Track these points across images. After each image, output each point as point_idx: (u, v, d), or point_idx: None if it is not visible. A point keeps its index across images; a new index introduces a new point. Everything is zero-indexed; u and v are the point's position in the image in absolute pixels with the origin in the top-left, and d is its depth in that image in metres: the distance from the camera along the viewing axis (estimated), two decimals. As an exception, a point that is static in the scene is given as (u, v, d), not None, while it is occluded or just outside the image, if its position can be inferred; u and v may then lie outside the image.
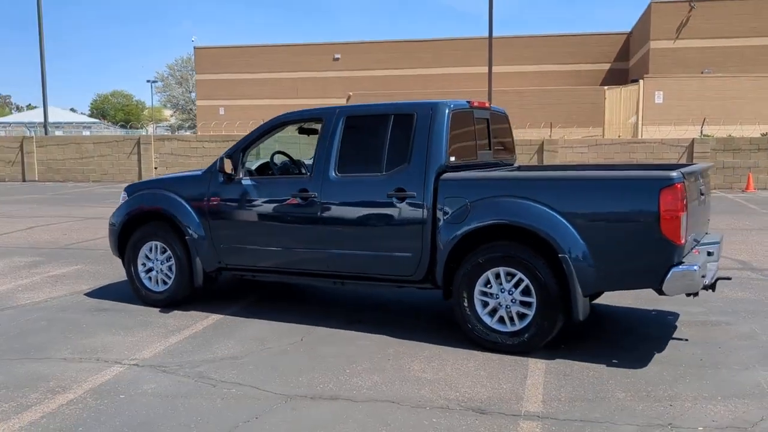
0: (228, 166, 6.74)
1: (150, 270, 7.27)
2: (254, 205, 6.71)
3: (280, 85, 50.05)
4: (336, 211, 6.29)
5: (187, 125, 67.55)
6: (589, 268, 5.30)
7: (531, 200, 5.50)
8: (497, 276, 5.63)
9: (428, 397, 4.73)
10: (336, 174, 6.28)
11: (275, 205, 6.59)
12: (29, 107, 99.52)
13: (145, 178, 24.60)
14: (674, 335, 6.10)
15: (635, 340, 5.99)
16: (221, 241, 6.86)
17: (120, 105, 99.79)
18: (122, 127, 59.76)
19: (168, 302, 7.16)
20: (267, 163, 7.19)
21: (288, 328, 6.43)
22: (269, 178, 6.81)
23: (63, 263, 9.74)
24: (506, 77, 41.91)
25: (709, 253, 6.10)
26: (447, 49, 46.14)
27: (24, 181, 26.31)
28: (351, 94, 40.80)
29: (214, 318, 6.81)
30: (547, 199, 5.46)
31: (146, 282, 7.29)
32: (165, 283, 7.22)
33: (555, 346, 5.74)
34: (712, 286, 5.96)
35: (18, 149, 26.27)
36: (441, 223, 5.81)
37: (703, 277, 5.32)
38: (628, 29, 44.86)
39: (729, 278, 6.54)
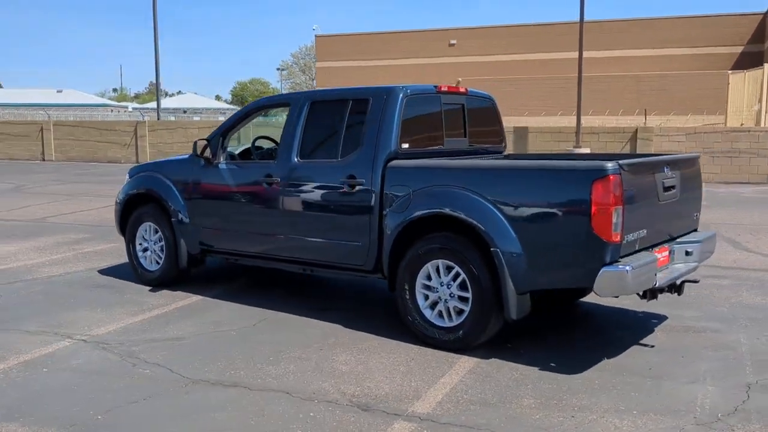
0: (201, 150, 6.86)
1: (146, 250, 7.53)
2: (228, 190, 6.78)
3: (395, 72, 50.26)
4: (295, 197, 6.24)
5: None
6: (521, 263, 4.95)
7: (468, 190, 5.20)
8: (437, 269, 5.39)
9: (325, 390, 4.60)
10: (298, 159, 6.23)
11: (245, 189, 6.62)
12: (178, 93, 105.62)
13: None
14: (644, 341, 5.60)
15: (595, 343, 5.55)
16: (201, 223, 6.99)
17: (258, 92, 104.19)
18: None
19: (159, 282, 7.39)
20: (249, 148, 7.24)
21: (253, 312, 6.46)
22: (243, 163, 6.85)
23: (106, 241, 10.25)
24: (624, 62, 39.98)
25: (688, 253, 5.55)
26: (562, 33, 44.51)
27: (137, 162, 28.05)
28: (460, 79, 40.33)
29: (193, 299, 6.96)
30: (482, 189, 5.14)
31: (142, 261, 7.56)
32: (157, 263, 7.46)
33: (500, 344, 5.44)
34: (677, 289, 5.45)
35: (132, 133, 28.03)
36: (387, 212, 5.63)
37: (647, 278, 4.84)
38: (763, 9, 41.40)
39: (696, 281, 5.91)
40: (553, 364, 5.07)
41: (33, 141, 29.75)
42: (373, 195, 5.69)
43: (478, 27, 50.41)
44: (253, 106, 7.00)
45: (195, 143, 6.91)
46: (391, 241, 5.56)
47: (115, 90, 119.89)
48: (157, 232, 7.37)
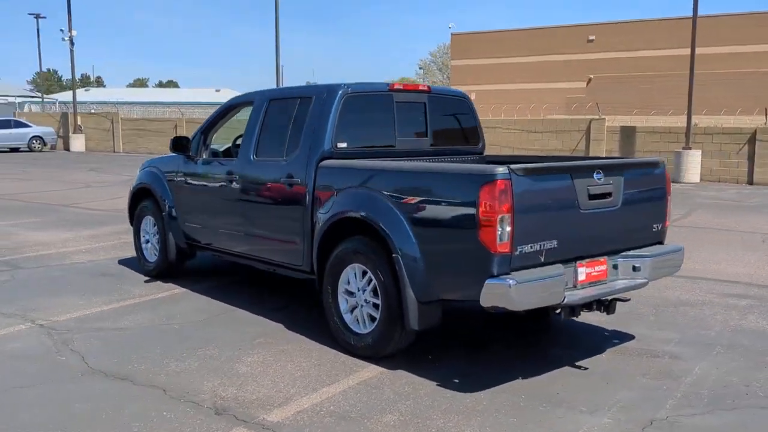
0: (174, 147, 7.03)
1: (147, 242, 7.85)
2: (202, 186, 6.92)
3: (530, 69, 49.08)
4: (248, 195, 6.25)
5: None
6: (421, 271, 4.66)
7: (379, 193, 4.97)
8: (356, 273, 5.20)
9: (201, 390, 4.55)
10: (254, 158, 6.24)
11: (213, 186, 6.72)
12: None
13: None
14: (583, 362, 5.09)
15: (526, 361, 5.10)
16: (185, 218, 7.19)
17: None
18: None
19: (156, 273, 7.67)
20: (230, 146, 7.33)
21: (215, 308, 6.54)
22: (215, 160, 6.94)
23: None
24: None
25: (635, 268, 5.00)
26: (708, 26, 41.35)
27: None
28: (591, 77, 38.73)
29: (175, 291, 7.16)
30: (391, 191, 4.89)
31: (145, 253, 7.88)
32: (155, 255, 7.75)
33: (419, 355, 5.17)
34: (606, 307, 4.92)
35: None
36: (317, 212, 5.50)
37: (547, 294, 4.38)
38: None
39: (628, 299, 5.25)
40: (456, 380, 4.73)
41: (167, 136, 31.86)
42: (307, 195, 5.59)
43: (619, 21, 48.03)
44: (226, 104, 7.11)
45: (171, 140, 7.10)
46: (318, 242, 5.43)
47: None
48: (155, 225, 7.66)
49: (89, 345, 5.47)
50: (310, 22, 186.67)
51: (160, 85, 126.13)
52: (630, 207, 5.01)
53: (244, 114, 7.01)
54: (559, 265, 4.53)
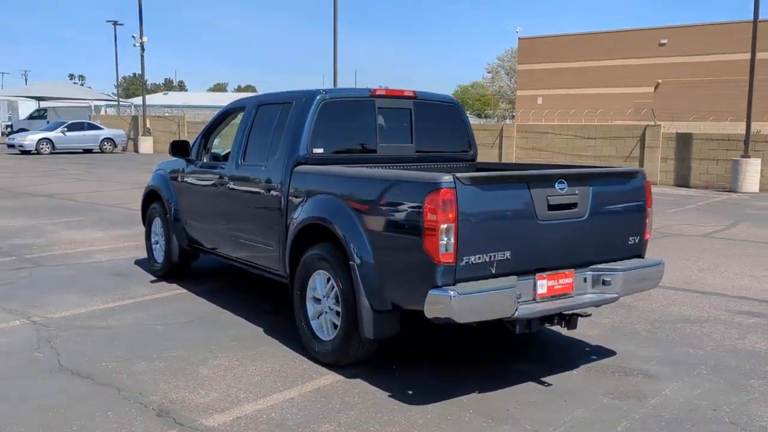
0: (173, 150, 7.16)
1: (156, 243, 8.03)
2: (197, 189, 7.04)
3: (598, 74, 47.90)
4: (234, 200, 6.32)
5: (510, 115, 68.51)
6: (375, 279, 4.59)
7: (341, 198, 4.94)
8: (322, 279, 5.18)
9: (154, 392, 4.59)
10: (241, 162, 6.30)
11: (208, 190, 6.82)
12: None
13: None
14: (549, 378, 4.91)
15: (493, 374, 4.95)
16: (185, 220, 7.32)
17: (478, 95, 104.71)
18: (477, 116, 62.60)
19: (162, 274, 7.84)
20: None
21: (205, 309, 6.62)
22: (211, 164, 7.03)
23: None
24: None
25: (605, 282, 4.80)
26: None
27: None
28: (659, 81, 37.52)
29: (174, 292, 7.29)
30: (349, 198, 4.86)
31: (154, 253, 8.06)
32: (162, 256, 7.92)
33: (385, 365, 5.11)
34: (567, 322, 4.74)
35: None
36: (290, 218, 5.51)
37: (494, 307, 4.24)
38: None
39: (588, 314, 5.00)
40: (410, 392, 4.64)
41: (227, 139, 32.54)
42: (283, 200, 5.60)
43: (693, 25, 46.35)
44: (224, 109, 7.21)
45: (171, 144, 7.24)
46: (289, 247, 5.43)
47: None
48: (162, 226, 7.83)
49: (70, 343, 5.62)
50: (378, 27, 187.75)
51: (239, 89, 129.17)
52: (600, 218, 4.81)
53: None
54: (513, 277, 4.38)
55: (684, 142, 19.72)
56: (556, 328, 5.98)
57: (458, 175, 4.19)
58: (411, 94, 6.10)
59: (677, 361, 5.27)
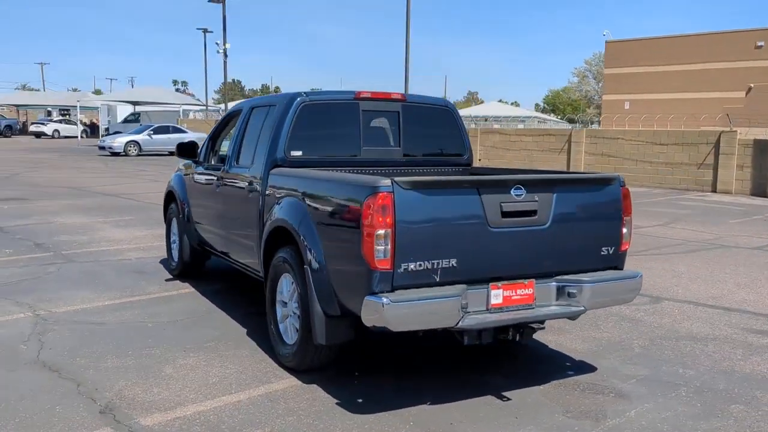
0: (179, 152, 7.29)
1: (174, 242, 8.22)
2: (201, 190, 7.15)
3: (689, 78, 45.95)
4: (226, 201, 6.38)
5: (597, 119, 66.56)
6: (326, 284, 4.52)
7: (302, 201, 4.89)
8: (288, 282, 5.14)
9: (109, 388, 4.65)
10: (234, 164, 6.35)
11: (208, 191, 6.91)
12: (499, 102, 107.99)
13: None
14: (511, 392, 4.69)
15: (454, 385, 4.78)
16: (194, 220, 7.46)
17: (569, 100, 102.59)
18: (569, 121, 61.23)
19: (176, 273, 8.01)
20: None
21: (201, 308, 6.70)
22: (212, 166, 7.10)
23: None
24: None
25: (570, 294, 4.56)
26: None
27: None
28: (752, 85, 35.59)
29: (181, 291, 7.42)
30: (308, 200, 4.80)
31: (172, 253, 8.24)
32: (178, 255, 8.09)
33: (347, 372, 5.02)
34: (520, 334, 4.51)
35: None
36: (265, 220, 5.51)
37: (434, 316, 4.09)
38: None
39: (542, 327, 4.68)
40: (360, 401, 4.54)
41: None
42: (260, 202, 5.61)
43: (794, 25, 43.76)
44: (228, 112, 7.27)
45: (177, 145, 7.38)
46: (262, 249, 5.43)
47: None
48: (177, 226, 8.00)
49: (58, 337, 5.79)
50: (470, 33, 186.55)
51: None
52: (565, 227, 4.56)
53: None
54: (462, 286, 4.21)
55: (762, 149, 18.60)
56: (545, 339, 5.77)
57: (398, 179, 4.07)
58: (399, 96, 5.98)
59: (660, 381, 4.94)
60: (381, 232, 3.99)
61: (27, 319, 6.29)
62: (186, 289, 7.52)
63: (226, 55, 37.47)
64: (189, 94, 71.09)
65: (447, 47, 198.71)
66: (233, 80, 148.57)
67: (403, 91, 26.68)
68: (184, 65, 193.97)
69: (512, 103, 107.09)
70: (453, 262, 4.21)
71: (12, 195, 16.51)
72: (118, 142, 34.87)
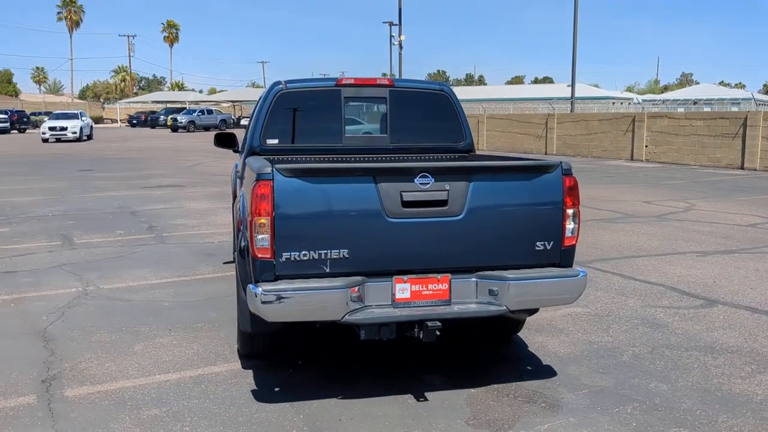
0: (216, 142, 7.57)
1: (236, 228, 8.62)
2: (235, 180, 7.42)
3: None
4: (237, 191, 6.57)
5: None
6: (243, 272, 4.55)
7: (241, 190, 4.94)
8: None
9: (75, 360, 5.01)
10: (240, 152, 6.53)
11: (237, 182, 7.16)
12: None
13: (637, 156, 24.01)
14: (435, 393, 4.42)
15: (372, 383, 4.60)
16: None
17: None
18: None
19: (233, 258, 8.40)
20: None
21: (225, 292, 6.93)
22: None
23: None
24: None
25: (492, 292, 4.21)
26: None
27: (545, 154, 28.62)
28: None
29: (223, 274, 7.74)
30: (238, 190, 4.85)
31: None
32: (236, 240, 8.48)
33: (291, 361, 5.03)
34: (426, 333, 4.20)
35: (544, 125, 28.70)
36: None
37: (314, 308, 3.96)
38: None
39: (438, 326, 4.15)
40: (276, 389, 4.52)
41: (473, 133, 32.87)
42: (237, 190, 5.74)
43: None
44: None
45: (215, 135, 7.69)
46: (234, 235, 5.56)
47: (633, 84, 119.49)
48: (236, 212, 8.38)
49: (82, 311, 6.34)
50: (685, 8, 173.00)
51: (535, 81, 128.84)
52: (484, 218, 4.19)
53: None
54: (354, 278, 4.04)
55: None
56: (531, 340, 5.37)
57: (279, 166, 3.99)
58: (386, 82, 5.80)
59: (616, 395, 4.39)
60: (260, 220, 3.95)
61: (72, 294, 6.94)
62: (230, 272, 7.86)
63: (401, 47, 38.16)
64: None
65: (659, 27, 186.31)
66: (438, 71, 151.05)
67: (573, 76, 25.57)
68: (377, 56, 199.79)
69: (736, 85, 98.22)
70: (344, 252, 4.05)
71: (175, 182, 18.09)
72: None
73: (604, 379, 4.64)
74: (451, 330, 5.49)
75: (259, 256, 3.98)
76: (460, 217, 4.15)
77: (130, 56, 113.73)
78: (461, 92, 72.38)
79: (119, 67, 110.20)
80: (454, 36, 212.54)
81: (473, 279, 4.21)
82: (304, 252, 4.01)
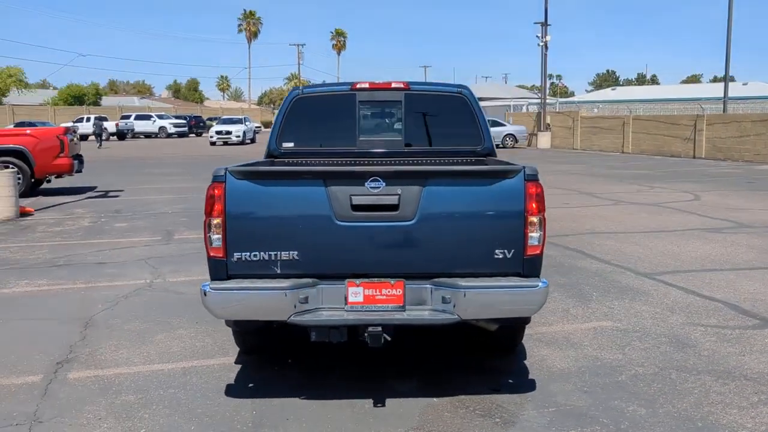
0: None
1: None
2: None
3: None
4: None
5: None
6: None
7: None
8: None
9: (94, 345, 5.48)
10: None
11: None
12: None
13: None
14: (390, 401, 4.39)
15: (333, 388, 4.64)
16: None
17: None
18: None
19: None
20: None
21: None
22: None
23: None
24: None
25: (445, 300, 4.12)
26: None
27: (693, 158, 26.73)
28: None
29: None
30: None
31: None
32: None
33: (283, 359, 5.18)
34: (372, 338, 4.18)
35: (692, 127, 26.84)
36: None
37: (257, 307, 4.07)
38: None
39: (377, 331, 3.95)
40: (251, 385, 4.69)
41: (616, 134, 31.48)
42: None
43: None
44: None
45: None
46: None
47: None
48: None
49: (135, 301, 6.85)
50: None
51: (714, 80, 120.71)
52: (438, 224, 4.09)
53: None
54: (303, 279, 4.11)
55: None
56: (535, 352, 5.18)
57: (233, 168, 4.14)
58: (402, 85, 5.78)
59: (584, 416, 4.13)
60: (213, 221, 4.12)
61: (138, 285, 7.51)
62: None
63: (546, 48, 37.20)
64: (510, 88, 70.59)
65: None
66: (607, 71, 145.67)
67: (726, 73, 23.80)
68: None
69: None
70: (294, 254, 4.13)
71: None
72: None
73: (582, 398, 4.37)
74: (446, 336, 5.41)
75: (212, 255, 4.16)
76: (412, 222, 4.09)
77: (299, 64, 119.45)
78: (623, 93, 69.35)
79: (291, 75, 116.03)
80: (624, 34, 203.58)
81: (428, 285, 4.14)
82: (254, 252, 4.13)
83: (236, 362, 5.10)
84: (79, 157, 18.00)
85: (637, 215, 12.12)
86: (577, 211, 12.66)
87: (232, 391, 4.58)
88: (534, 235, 4.13)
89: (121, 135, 53.42)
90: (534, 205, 4.10)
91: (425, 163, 5.60)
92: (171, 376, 4.84)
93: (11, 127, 24.39)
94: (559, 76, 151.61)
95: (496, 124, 37.85)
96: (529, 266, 4.16)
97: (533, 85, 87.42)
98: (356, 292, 4.15)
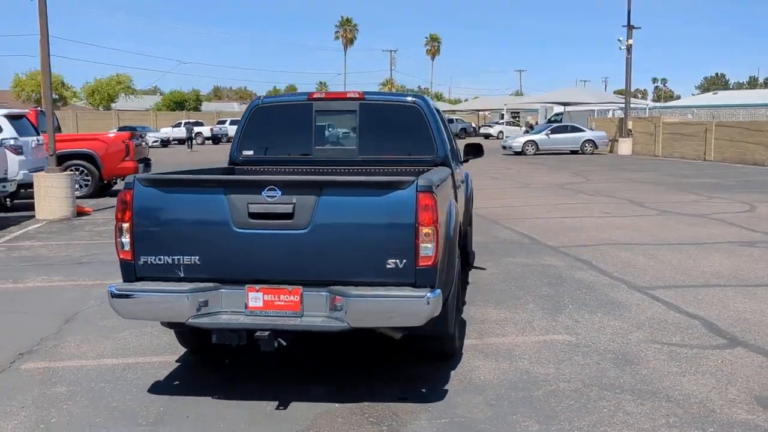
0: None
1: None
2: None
3: None
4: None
5: None
6: None
7: None
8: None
9: (65, 338, 5.85)
10: None
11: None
12: None
13: None
14: (294, 405, 4.49)
15: (272, 373, 4.78)
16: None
17: None
18: None
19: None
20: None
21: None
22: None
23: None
24: None
25: (336, 308, 4.21)
26: None
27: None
28: None
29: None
30: None
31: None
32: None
33: (221, 359, 5.37)
34: (265, 342, 4.29)
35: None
36: None
37: (158, 309, 4.28)
38: None
39: (265, 335, 3.99)
40: (176, 383, 4.91)
41: (699, 141, 30.19)
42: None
43: None
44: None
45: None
46: None
47: None
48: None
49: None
50: None
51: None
52: (331, 233, 4.18)
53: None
54: (204, 284, 4.29)
55: None
56: (471, 364, 5.17)
57: (140, 176, 4.37)
58: (357, 95, 5.88)
59: (472, 429, 4.11)
60: (123, 225, 4.36)
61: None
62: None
63: (629, 52, 36.06)
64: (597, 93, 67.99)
65: None
66: (716, 74, 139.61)
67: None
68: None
69: None
70: (196, 259, 4.31)
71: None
72: (518, 142, 36.57)
73: (483, 411, 4.34)
74: (376, 344, 5.44)
75: (122, 257, 4.40)
76: (306, 230, 4.20)
77: (391, 69, 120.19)
78: (724, 97, 66.02)
79: (386, 80, 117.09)
80: (736, 35, 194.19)
81: (324, 293, 4.23)
82: (159, 256, 4.34)
83: (177, 360, 5.33)
84: (146, 161, 19.02)
85: (674, 227, 11.65)
86: (612, 221, 12.30)
87: (156, 387, 4.80)
88: (427, 246, 4.14)
89: (215, 139, 55.62)
90: (426, 217, 4.12)
91: (372, 172, 5.68)
92: (110, 371, 5.11)
93: (115, 131, 26.31)
94: (664, 80, 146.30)
95: (575, 129, 37.08)
96: (422, 277, 4.18)
97: (636, 89, 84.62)
98: (256, 297, 4.28)
